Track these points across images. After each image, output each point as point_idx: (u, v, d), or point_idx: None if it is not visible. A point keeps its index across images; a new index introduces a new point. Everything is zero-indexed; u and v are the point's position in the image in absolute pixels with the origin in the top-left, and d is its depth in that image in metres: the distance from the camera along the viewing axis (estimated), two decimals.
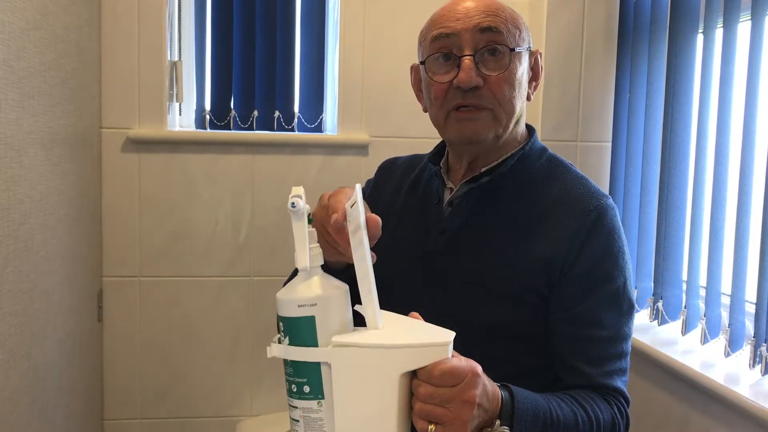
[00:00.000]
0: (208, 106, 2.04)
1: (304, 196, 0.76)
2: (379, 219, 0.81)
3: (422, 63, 1.06)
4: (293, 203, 0.75)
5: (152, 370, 2.01)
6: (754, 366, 1.38)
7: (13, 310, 1.26)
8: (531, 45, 1.08)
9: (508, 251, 1.02)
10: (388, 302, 1.13)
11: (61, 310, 1.57)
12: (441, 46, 1.02)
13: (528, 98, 1.08)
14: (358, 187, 0.81)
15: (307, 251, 0.75)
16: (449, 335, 0.76)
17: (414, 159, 1.24)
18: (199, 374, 2.04)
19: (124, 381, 2.00)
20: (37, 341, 1.40)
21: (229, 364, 2.04)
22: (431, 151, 1.19)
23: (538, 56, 1.09)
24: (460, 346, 0.79)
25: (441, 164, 1.14)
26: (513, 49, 1.01)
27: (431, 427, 0.74)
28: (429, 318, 0.83)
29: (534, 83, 1.09)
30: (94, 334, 1.91)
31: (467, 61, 0.99)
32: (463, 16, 1.01)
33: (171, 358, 2.02)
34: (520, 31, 1.04)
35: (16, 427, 1.28)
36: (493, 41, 1.00)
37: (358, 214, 0.77)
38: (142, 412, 2.02)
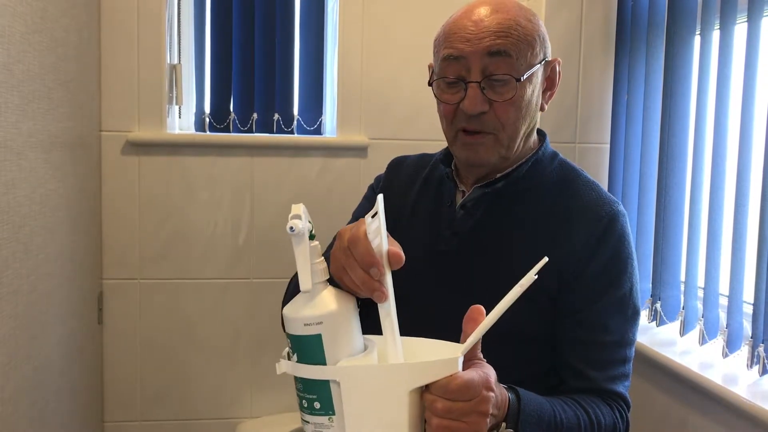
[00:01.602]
0: (207, 109, 2.05)
1: (304, 214, 0.74)
2: (402, 255, 0.77)
3: (430, 84, 1.06)
4: (291, 227, 0.72)
5: (152, 371, 2.02)
6: (751, 366, 1.38)
7: (13, 312, 1.27)
8: (548, 55, 1.06)
9: (521, 255, 1.02)
10: (399, 303, 1.13)
11: (61, 312, 1.57)
12: (449, 68, 1.01)
13: (542, 108, 1.08)
14: (380, 200, 0.78)
15: (309, 273, 0.74)
16: (457, 350, 0.76)
17: (423, 158, 1.24)
18: (199, 376, 2.04)
19: (124, 383, 2.00)
20: (37, 343, 1.40)
21: (229, 366, 2.05)
22: (442, 152, 1.18)
23: (557, 65, 1.08)
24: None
25: (452, 166, 1.15)
26: (519, 79, 0.99)
27: None
28: (441, 319, 0.83)
29: (549, 93, 1.09)
30: (95, 336, 1.91)
31: (473, 89, 0.99)
32: (473, 36, 0.99)
33: (171, 359, 2.02)
34: (533, 49, 1.01)
35: (16, 428, 1.29)
36: (501, 70, 0.98)
37: (380, 243, 0.76)
38: (143, 413, 2.02)
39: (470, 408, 0.74)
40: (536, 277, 0.76)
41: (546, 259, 0.76)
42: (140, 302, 1.99)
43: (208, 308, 2.02)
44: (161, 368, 2.02)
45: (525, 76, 1.00)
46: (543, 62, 1.04)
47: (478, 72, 0.99)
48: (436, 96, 1.06)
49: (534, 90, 1.03)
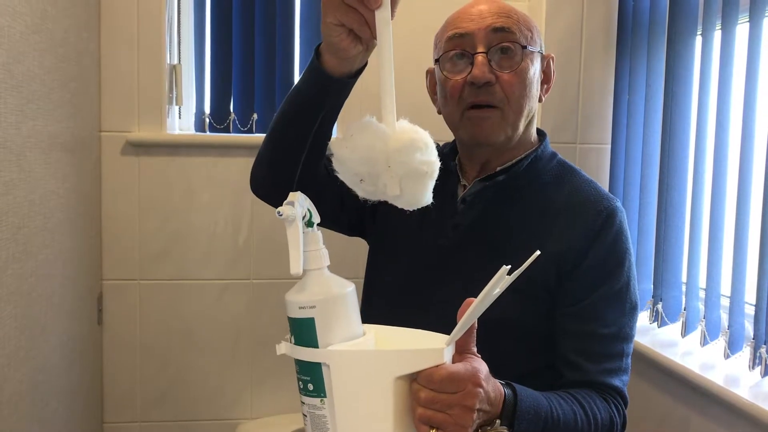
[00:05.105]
0: (207, 109, 2.04)
1: (298, 201, 0.75)
2: None
3: (437, 61, 1.09)
4: (279, 212, 0.74)
5: (152, 372, 2.01)
6: (753, 368, 1.38)
7: (12, 313, 1.27)
8: (543, 49, 1.11)
9: (520, 248, 1.03)
10: (401, 294, 1.12)
11: (60, 313, 1.57)
12: (456, 45, 1.06)
13: (539, 100, 1.11)
14: None
15: (300, 256, 0.75)
16: (444, 340, 0.77)
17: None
18: (199, 377, 2.04)
19: (124, 384, 2.00)
20: (36, 344, 1.40)
21: (229, 367, 2.04)
22: (449, 146, 1.20)
23: (551, 60, 1.12)
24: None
25: (456, 160, 1.16)
26: (525, 47, 1.04)
27: (432, 431, 0.75)
28: (441, 312, 0.84)
29: (545, 86, 1.13)
30: (94, 337, 1.91)
31: (480, 57, 1.03)
32: (477, 17, 1.05)
33: (171, 360, 2.02)
34: (532, 34, 1.07)
35: (15, 430, 1.29)
36: (506, 40, 1.03)
37: None
38: (142, 415, 2.02)
39: (455, 401, 0.74)
40: (511, 277, 0.74)
41: (538, 252, 0.76)
42: (140, 303, 1.99)
43: (208, 309, 2.02)
44: (161, 369, 2.01)
45: (529, 48, 1.05)
46: (540, 53, 1.09)
47: (483, 46, 1.04)
48: (443, 76, 1.07)
49: (535, 72, 1.07)
